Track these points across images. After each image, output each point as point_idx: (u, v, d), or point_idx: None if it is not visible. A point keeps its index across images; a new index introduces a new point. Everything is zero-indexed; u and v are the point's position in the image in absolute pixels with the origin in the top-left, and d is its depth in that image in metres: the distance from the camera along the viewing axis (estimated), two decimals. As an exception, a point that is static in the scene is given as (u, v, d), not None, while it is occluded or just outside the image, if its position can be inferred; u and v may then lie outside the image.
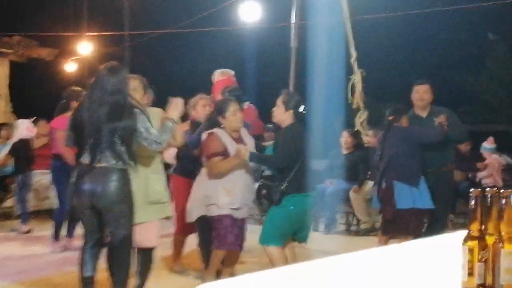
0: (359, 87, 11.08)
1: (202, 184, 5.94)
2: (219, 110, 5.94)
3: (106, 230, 5.07)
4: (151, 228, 5.33)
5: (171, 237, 7.00)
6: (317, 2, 11.02)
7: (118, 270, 5.01)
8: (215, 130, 5.86)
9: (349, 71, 11.15)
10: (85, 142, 4.91)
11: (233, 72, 8.00)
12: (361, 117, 11.19)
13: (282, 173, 5.73)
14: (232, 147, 5.80)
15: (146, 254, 5.43)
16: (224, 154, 5.78)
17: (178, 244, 7.00)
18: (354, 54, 11.31)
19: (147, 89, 5.63)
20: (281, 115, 5.85)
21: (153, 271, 5.59)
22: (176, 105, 5.24)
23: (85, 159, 4.92)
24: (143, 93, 5.51)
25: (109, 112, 4.83)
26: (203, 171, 5.98)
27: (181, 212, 6.53)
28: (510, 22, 20.99)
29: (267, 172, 5.77)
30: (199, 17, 16.23)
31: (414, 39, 23.04)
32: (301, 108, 5.87)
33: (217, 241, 5.82)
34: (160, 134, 4.95)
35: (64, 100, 8.10)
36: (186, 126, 6.75)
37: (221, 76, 7.86)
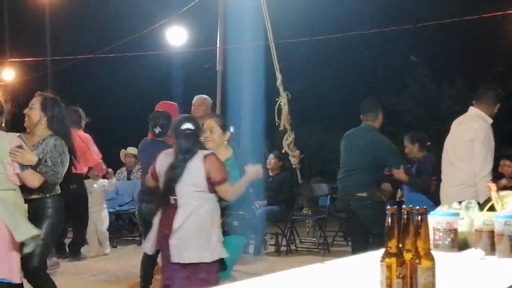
0: (285, 109, 11.32)
1: None
2: None
3: None
4: None
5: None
6: (242, 27, 11.16)
7: None
8: None
9: (276, 94, 11.37)
10: None
11: (207, 98, 7.80)
12: (288, 139, 11.44)
13: (242, 199, 5.10)
14: None
15: None
16: None
17: None
18: (279, 77, 11.56)
19: None
20: (219, 139, 5.25)
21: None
22: None
23: None
24: None
25: None
26: None
27: None
28: (430, 44, 21.65)
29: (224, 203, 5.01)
30: (123, 41, 16.11)
31: (338, 62, 23.43)
32: (232, 129, 5.43)
33: None
34: None
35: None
36: None
37: (197, 100, 7.71)
